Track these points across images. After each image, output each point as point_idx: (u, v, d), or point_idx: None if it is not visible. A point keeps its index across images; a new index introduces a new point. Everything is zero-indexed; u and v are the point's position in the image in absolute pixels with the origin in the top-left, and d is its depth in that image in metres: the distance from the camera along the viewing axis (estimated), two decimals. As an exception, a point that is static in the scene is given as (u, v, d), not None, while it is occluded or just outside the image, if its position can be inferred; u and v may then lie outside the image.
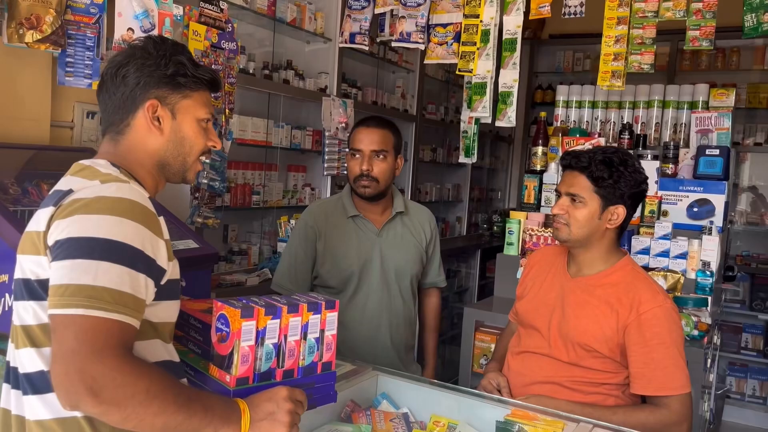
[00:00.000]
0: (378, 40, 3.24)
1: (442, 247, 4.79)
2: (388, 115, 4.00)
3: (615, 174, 1.65)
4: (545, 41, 5.84)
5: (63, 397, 0.97)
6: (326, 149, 3.28)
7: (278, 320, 1.25)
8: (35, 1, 1.87)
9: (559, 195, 1.74)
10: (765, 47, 4.80)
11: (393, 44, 3.08)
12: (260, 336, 1.23)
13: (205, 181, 2.45)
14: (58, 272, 1.02)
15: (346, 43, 3.20)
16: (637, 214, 2.64)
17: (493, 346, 2.54)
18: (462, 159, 3.23)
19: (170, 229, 1.91)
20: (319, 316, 1.31)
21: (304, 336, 1.29)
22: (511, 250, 2.80)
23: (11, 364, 1.17)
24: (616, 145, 2.83)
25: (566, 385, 1.67)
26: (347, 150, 2.15)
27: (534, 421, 1.40)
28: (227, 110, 2.53)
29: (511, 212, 2.87)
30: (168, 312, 1.20)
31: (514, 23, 2.87)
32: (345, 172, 3.42)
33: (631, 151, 2.75)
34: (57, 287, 1.01)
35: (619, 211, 1.68)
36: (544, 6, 2.78)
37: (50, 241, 1.07)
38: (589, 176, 1.67)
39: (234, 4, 2.78)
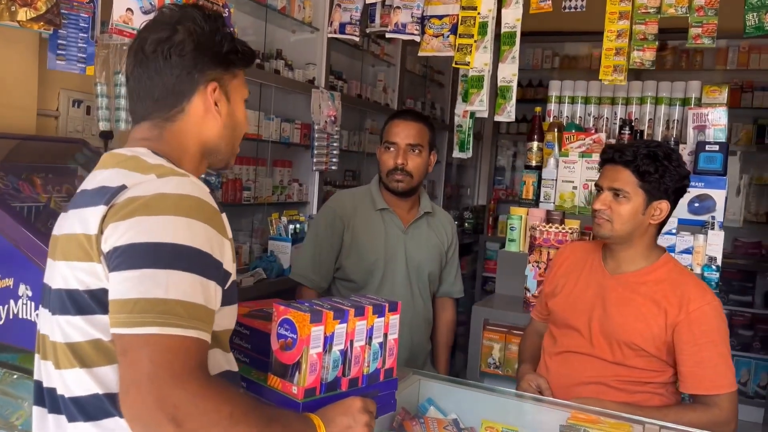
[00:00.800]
0: (368, 31, 3.13)
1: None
2: (371, 109, 3.91)
3: (660, 168, 1.61)
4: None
5: (140, 428, 0.84)
6: (315, 143, 3.15)
7: (345, 324, 1.15)
8: (28, -25, 1.69)
9: (599, 190, 1.70)
10: (727, 48, 4.94)
11: (387, 35, 2.97)
12: (328, 342, 1.13)
13: (202, 176, 2.30)
14: (123, 285, 0.89)
15: (335, 33, 3.08)
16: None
17: (501, 344, 2.49)
18: (456, 154, 3.16)
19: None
20: (383, 319, 1.22)
21: (369, 341, 1.20)
22: (512, 247, 2.76)
23: (47, 385, 1.02)
24: (614, 140, 2.83)
25: (612, 384, 1.63)
26: (380, 143, 2.07)
27: (599, 425, 1.34)
28: (224, 100, 2.38)
29: (511, 208, 2.83)
30: (229, 318, 1.08)
31: (513, 16, 2.82)
32: (333, 168, 3.31)
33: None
34: (123, 302, 0.88)
35: (663, 207, 1.65)
36: (545, 0, 2.75)
37: (106, 248, 0.92)
38: (634, 171, 1.63)
39: (225, -12, 2.62)
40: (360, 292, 2.02)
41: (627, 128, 2.75)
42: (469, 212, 5.57)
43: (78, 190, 1.06)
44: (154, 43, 1.05)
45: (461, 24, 2.89)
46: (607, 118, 3.10)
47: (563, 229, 2.41)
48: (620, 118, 2.96)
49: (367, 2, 3.06)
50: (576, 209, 2.79)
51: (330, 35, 3.12)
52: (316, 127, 3.14)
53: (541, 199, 2.87)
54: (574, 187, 2.79)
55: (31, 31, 1.74)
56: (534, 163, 3.00)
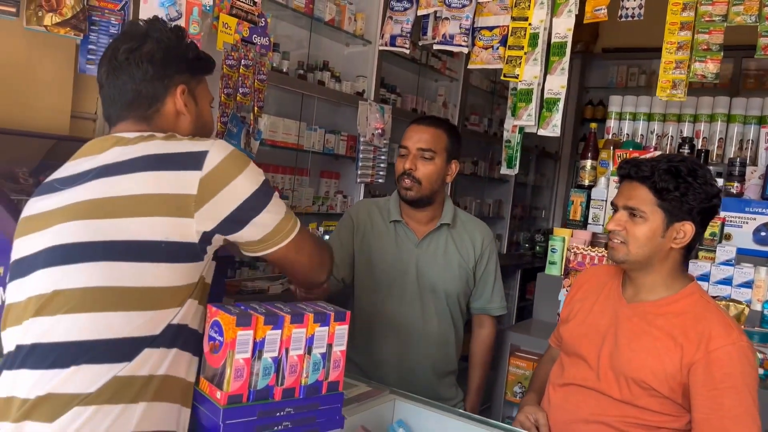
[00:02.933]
0: (420, 43, 3.09)
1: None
2: (428, 124, 3.84)
3: (682, 186, 1.43)
4: (598, 55, 5.61)
5: None
6: (360, 155, 3.13)
7: (279, 331, 1.10)
8: (58, -17, 1.79)
9: (615, 209, 1.53)
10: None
11: (435, 47, 2.91)
12: (258, 348, 1.08)
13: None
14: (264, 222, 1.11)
15: (386, 45, 3.06)
16: (696, 236, 2.40)
17: (529, 373, 2.33)
18: (504, 170, 3.03)
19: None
20: (326, 328, 1.15)
21: (309, 350, 1.13)
22: (553, 270, 2.59)
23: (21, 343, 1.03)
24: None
25: (616, 425, 1.45)
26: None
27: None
28: (256, 108, 2.41)
29: (555, 229, 2.66)
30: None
31: (564, 26, 2.67)
32: (380, 181, 3.27)
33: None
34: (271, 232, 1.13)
35: (686, 229, 1.45)
36: (601, 9, 2.58)
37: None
38: (651, 187, 1.45)
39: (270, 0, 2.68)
40: (367, 307, 1.95)
41: (687, 146, 2.51)
42: (541, 235, 5.34)
43: (73, 173, 1.10)
44: (126, 53, 1.15)
45: (511, 35, 2.78)
46: (671, 136, 2.86)
47: (601, 252, 2.23)
48: (671, 136, 2.71)
49: (418, 14, 3.02)
50: (627, 233, 2.57)
51: (381, 47, 3.11)
52: (362, 139, 3.12)
53: (590, 220, 2.68)
54: (625, 209, 2.57)
55: (59, 36, 1.84)
56: (587, 183, 2.81)
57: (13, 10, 1.69)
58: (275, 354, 1.10)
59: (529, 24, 2.74)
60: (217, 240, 1.09)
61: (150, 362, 1.00)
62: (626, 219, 1.49)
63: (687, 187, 1.44)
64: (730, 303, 2.11)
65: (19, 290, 1.05)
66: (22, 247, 1.09)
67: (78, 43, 1.95)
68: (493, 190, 5.02)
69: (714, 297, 2.19)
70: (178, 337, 1.04)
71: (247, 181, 1.09)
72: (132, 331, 0.98)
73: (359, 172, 3.13)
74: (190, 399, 1.10)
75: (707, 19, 2.39)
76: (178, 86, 1.19)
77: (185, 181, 1.03)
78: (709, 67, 2.40)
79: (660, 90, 2.47)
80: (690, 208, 1.45)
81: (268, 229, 1.12)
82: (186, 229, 1.03)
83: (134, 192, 1.03)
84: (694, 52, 2.40)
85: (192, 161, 1.05)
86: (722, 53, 2.37)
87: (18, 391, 0.97)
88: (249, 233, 1.11)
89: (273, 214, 1.12)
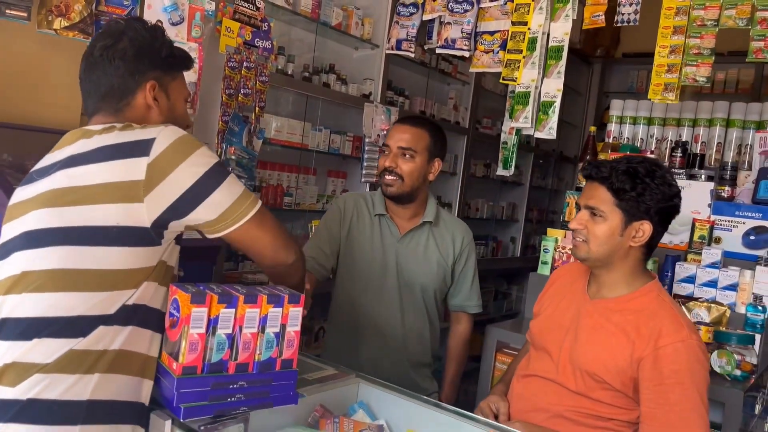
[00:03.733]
0: (425, 47, 3.17)
1: (492, 267, 4.61)
2: (437, 126, 3.91)
3: (639, 186, 1.48)
4: (618, 60, 5.58)
5: None
6: (365, 155, 3.22)
7: (233, 309, 1.19)
8: (67, -10, 1.93)
9: (578, 209, 1.59)
10: None
11: (437, 51, 2.99)
12: (212, 324, 1.17)
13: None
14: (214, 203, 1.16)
15: (392, 49, 3.15)
16: (685, 239, 2.42)
17: (514, 369, 2.38)
18: (500, 171, 3.09)
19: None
20: (280, 309, 1.24)
21: (263, 329, 1.23)
22: (544, 270, 2.63)
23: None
24: (666, 163, 2.61)
25: (568, 416, 1.51)
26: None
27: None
28: (257, 108, 2.53)
29: (548, 230, 2.70)
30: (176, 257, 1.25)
31: (561, 30, 2.72)
32: (384, 180, 3.35)
33: (682, 170, 2.54)
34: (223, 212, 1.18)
35: (645, 228, 1.50)
36: (598, 15, 2.62)
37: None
38: (609, 188, 1.50)
39: (276, 5, 2.79)
40: (348, 297, 2.04)
41: (679, 150, 2.53)
42: (556, 239, 5.34)
43: (46, 164, 1.21)
44: (101, 49, 1.24)
45: (510, 39, 2.84)
46: (671, 140, 2.87)
47: (585, 252, 2.26)
48: (670, 140, 2.73)
49: (424, 19, 3.11)
50: (619, 235, 2.60)
51: (387, 51, 3.20)
52: (367, 140, 3.21)
53: (584, 222, 2.71)
54: (618, 211, 2.60)
55: (68, 39, 1.99)
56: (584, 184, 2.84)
57: (25, 14, 1.84)
58: (229, 331, 1.19)
59: (528, 28, 2.79)
60: (175, 225, 1.16)
61: (104, 338, 1.09)
62: (587, 218, 1.54)
63: (644, 188, 1.49)
64: (712, 305, 2.13)
65: (0, 271, 1.18)
66: (6, 232, 1.21)
67: (86, 45, 2.10)
68: (507, 192, 5.05)
69: (696, 298, 2.21)
70: (133, 316, 1.12)
71: (195, 165, 1.13)
72: (87, 309, 1.07)
73: (364, 171, 3.23)
74: (152, 372, 1.19)
75: (699, 23, 2.41)
76: (148, 81, 1.25)
77: (134, 168, 1.09)
78: (700, 71, 2.42)
79: (652, 93, 2.50)
80: (647, 207, 1.49)
81: (222, 208, 1.16)
82: (137, 214, 1.10)
83: (91, 182, 1.11)
84: (686, 56, 2.43)
85: (140, 148, 1.11)
86: (714, 57, 2.39)
87: None
88: (203, 214, 1.15)
89: (227, 193, 1.16)
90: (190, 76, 2.17)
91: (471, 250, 2.11)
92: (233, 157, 2.45)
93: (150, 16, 2.09)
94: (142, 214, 1.10)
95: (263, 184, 2.84)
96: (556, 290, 1.75)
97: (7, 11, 1.79)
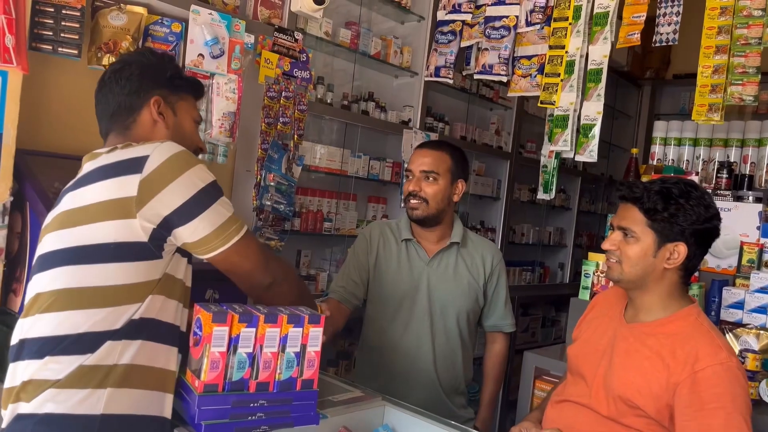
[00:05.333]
0: (464, 73, 3.19)
1: (539, 293, 4.53)
2: (479, 151, 3.91)
3: (672, 206, 1.45)
4: (668, 82, 5.46)
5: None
6: (404, 181, 3.24)
7: (254, 329, 1.22)
8: (116, 28, 2.06)
9: (612, 229, 1.57)
10: None
11: (475, 76, 3.01)
12: (233, 343, 1.21)
13: (269, 203, 2.52)
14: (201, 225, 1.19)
15: (431, 76, 3.19)
16: (733, 263, 2.32)
17: (554, 396, 2.32)
18: (540, 195, 3.05)
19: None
20: (300, 329, 1.27)
21: (283, 349, 1.25)
22: (585, 295, 2.56)
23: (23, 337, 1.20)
24: (712, 184, 2.53)
25: None
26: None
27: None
28: (296, 136, 2.60)
29: (589, 254, 2.64)
30: (187, 274, 1.28)
31: (600, 53, 2.70)
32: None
33: (728, 192, 2.46)
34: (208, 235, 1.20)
35: (680, 250, 1.46)
36: (633, 34, 2.59)
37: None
38: (641, 208, 1.49)
39: (317, 37, 2.88)
40: (377, 323, 2.04)
41: (725, 171, 2.45)
42: (607, 265, 5.20)
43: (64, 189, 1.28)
44: (110, 73, 1.34)
45: (548, 63, 2.84)
46: (717, 161, 2.78)
47: (625, 276, 2.21)
48: (717, 161, 2.64)
49: (462, 46, 3.14)
50: (664, 259, 2.52)
51: (426, 78, 3.24)
52: (405, 165, 3.23)
53: (627, 246, 2.64)
54: (662, 235, 2.53)
55: (116, 73, 2.10)
56: (628, 209, 2.78)
57: (76, 52, 1.96)
58: (250, 350, 1.22)
59: (566, 51, 2.78)
60: (172, 240, 1.19)
61: (113, 353, 1.13)
62: (620, 239, 1.52)
63: (678, 209, 1.45)
64: (761, 332, 2.03)
65: (27, 295, 1.24)
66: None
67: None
68: (555, 218, 4.97)
69: (744, 325, 2.12)
70: (142, 329, 1.16)
71: (187, 183, 1.15)
72: (93, 326, 1.12)
73: (402, 197, 3.24)
74: (172, 386, 1.23)
75: (743, 42, 2.35)
76: (153, 97, 1.31)
77: (127, 185, 1.14)
78: (747, 90, 2.35)
79: (696, 113, 2.44)
80: (681, 229, 1.46)
81: (207, 231, 1.18)
82: (133, 230, 1.13)
83: (90, 201, 1.16)
84: (731, 75, 2.36)
85: (134, 165, 1.15)
86: (759, 76, 2.32)
87: (16, 379, 1.15)
88: (189, 234, 1.17)
89: (214, 216, 1.18)
90: (229, 106, 2.26)
91: (501, 269, 2.10)
92: (272, 183, 2.52)
93: (192, 50, 2.19)
94: (137, 229, 1.14)
95: (303, 209, 2.90)
96: (594, 315, 1.72)
97: (60, 49, 1.92)
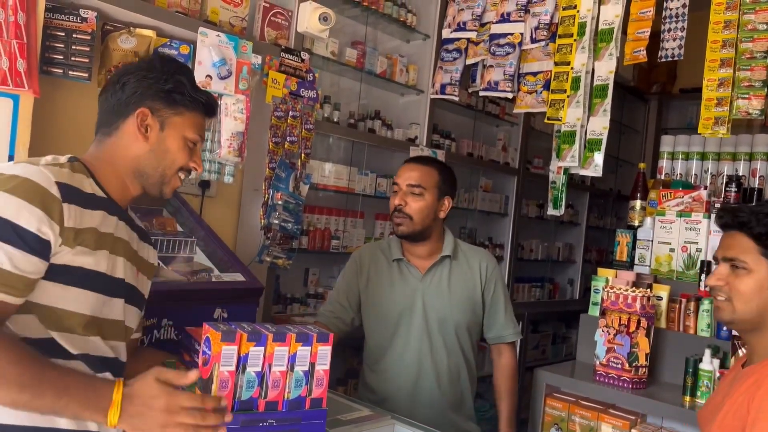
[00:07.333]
0: (469, 90, 3.21)
1: (549, 309, 4.50)
2: (486, 168, 3.92)
3: None
4: (675, 96, 5.46)
5: None
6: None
7: (262, 348, 1.22)
8: (126, 51, 2.09)
9: (716, 262, 1.41)
10: None
11: (480, 93, 3.03)
12: (242, 362, 1.21)
13: (277, 222, 2.53)
14: None
15: (436, 94, 3.21)
16: None
17: (566, 414, 2.29)
18: (550, 211, 3.05)
19: (220, 260, 1.96)
20: (309, 348, 1.26)
21: (291, 367, 1.25)
22: (595, 311, 2.55)
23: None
24: (721, 198, 2.52)
25: None
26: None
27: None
28: (303, 155, 2.62)
29: (598, 269, 2.63)
30: (77, 302, 1.16)
31: (606, 69, 2.71)
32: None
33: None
34: None
35: None
36: (639, 51, 2.61)
37: None
38: (750, 234, 1.32)
39: (323, 56, 2.91)
40: (378, 342, 2.03)
41: (734, 185, 2.44)
42: (617, 280, 5.17)
43: None
44: (116, 76, 1.31)
45: (554, 80, 2.85)
46: (726, 175, 2.77)
47: (635, 292, 2.19)
48: (725, 175, 2.63)
49: (467, 63, 3.16)
50: (674, 274, 2.51)
51: (432, 96, 3.27)
52: (412, 182, 3.24)
53: (636, 261, 2.63)
54: (671, 250, 2.52)
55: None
56: (637, 223, 2.77)
57: (86, 75, 2.00)
58: (258, 369, 1.22)
59: (571, 68, 2.80)
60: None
61: None
62: (728, 272, 1.36)
63: None
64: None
65: None
66: None
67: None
68: (563, 233, 4.96)
69: None
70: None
71: None
72: None
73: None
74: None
75: (748, 56, 2.35)
76: (141, 108, 1.25)
77: None
78: (753, 104, 2.35)
79: (702, 127, 2.44)
80: None
81: None
82: None
83: None
84: (737, 89, 2.36)
85: None
86: (766, 89, 2.32)
87: None
88: None
89: None
90: (237, 126, 2.28)
91: (498, 276, 2.08)
92: (280, 202, 2.53)
93: (200, 72, 2.21)
94: None
95: (311, 227, 2.91)
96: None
97: (70, 72, 1.95)
